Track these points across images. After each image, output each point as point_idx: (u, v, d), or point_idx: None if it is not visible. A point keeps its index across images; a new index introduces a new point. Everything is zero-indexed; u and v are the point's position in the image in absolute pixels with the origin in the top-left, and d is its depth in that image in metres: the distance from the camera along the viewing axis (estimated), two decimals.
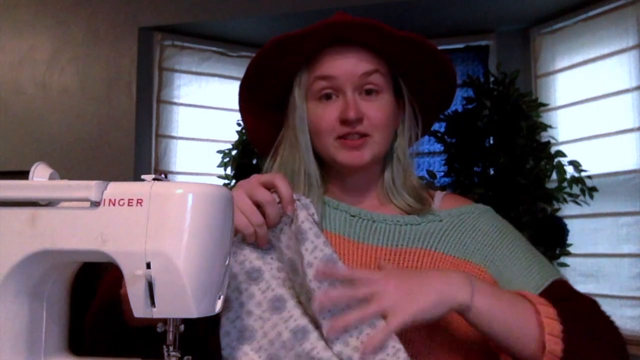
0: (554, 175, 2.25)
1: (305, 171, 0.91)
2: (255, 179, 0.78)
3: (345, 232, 0.89)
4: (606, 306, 0.80)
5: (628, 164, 2.32)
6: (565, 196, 2.22)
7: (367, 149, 0.88)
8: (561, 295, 0.81)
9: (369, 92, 0.88)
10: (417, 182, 0.96)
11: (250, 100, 0.97)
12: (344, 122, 0.86)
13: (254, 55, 0.91)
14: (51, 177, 0.63)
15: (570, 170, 2.24)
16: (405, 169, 0.94)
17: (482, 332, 0.74)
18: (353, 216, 0.91)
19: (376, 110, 0.88)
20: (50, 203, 0.60)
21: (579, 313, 0.77)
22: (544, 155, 2.22)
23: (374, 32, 0.86)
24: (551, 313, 0.74)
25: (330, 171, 0.95)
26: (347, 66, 0.87)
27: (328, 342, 0.71)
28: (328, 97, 0.89)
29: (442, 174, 2.31)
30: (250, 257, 0.78)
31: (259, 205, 0.76)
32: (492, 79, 2.33)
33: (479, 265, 0.87)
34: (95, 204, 0.58)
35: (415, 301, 0.70)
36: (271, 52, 0.89)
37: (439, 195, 0.97)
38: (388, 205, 0.94)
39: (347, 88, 0.87)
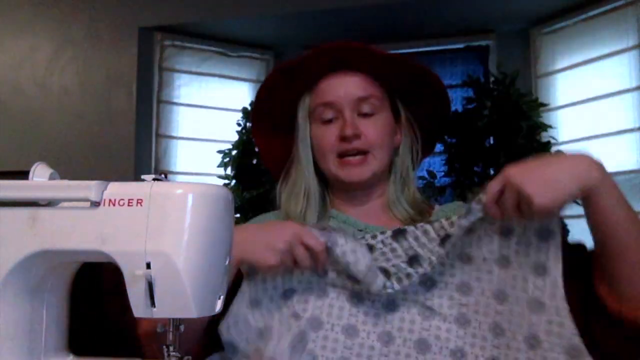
0: None
1: (305, 189, 0.98)
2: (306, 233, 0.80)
3: None
4: None
5: (628, 164, 2.32)
6: None
7: (367, 166, 0.96)
8: None
9: (365, 115, 0.97)
10: (418, 195, 1.03)
11: (262, 126, 1.06)
12: (343, 138, 0.94)
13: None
14: (51, 177, 0.63)
15: None
16: (407, 183, 1.01)
17: (603, 225, 0.72)
18: (360, 230, 0.95)
19: (372, 128, 0.96)
20: (50, 203, 0.60)
21: None
22: (544, 155, 2.21)
23: (365, 56, 0.95)
24: None
25: (335, 187, 1.01)
26: (344, 91, 0.97)
27: None
28: (330, 120, 0.97)
29: (442, 174, 2.31)
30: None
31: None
32: (492, 79, 2.33)
33: None
34: (95, 204, 0.58)
35: (550, 182, 0.69)
36: (277, 80, 1.00)
37: (436, 209, 1.01)
38: (391, 218, 0.99)
39: (346, 109, 0.96)
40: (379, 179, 1.00)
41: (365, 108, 0.96)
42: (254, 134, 1.08)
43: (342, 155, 0.96)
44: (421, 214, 0.98)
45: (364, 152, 0.95)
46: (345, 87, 0.97)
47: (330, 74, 0.98)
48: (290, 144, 1.03)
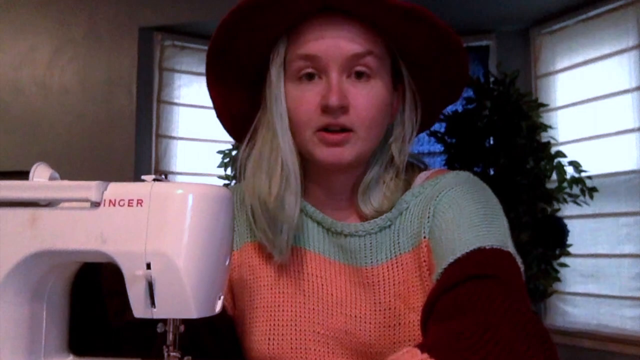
0: (554, 176, 2.25)
1: (282, 164, 0.75)
2: None
3: (329, 253, 0.79)
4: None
5: (628, 164, 2.32)
6: (565, 196, 2.22)
7: (349, 146, 0.73)
8: (471, 271, 0.61)
9: (359, 76, 0.72)
10: (399, 185, 0.79)
11: (220, 71, 0.82)
12: (325, 109, 0.71)
13: None
14: (51, 178, 0.63)
15: (570, 171, 2.25)
16: (399, 172, 0.79)
17: None
18: (338, 232, 0.78)
19: (365, 98, 0.72)
20: (50, 203, 0.60)
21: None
22: (544, 155, 2.22)
23: (370, 2, 0.69)
24: None
25: (311, 166, 0.79)
26: (333, 45, 0.71)
27: None
28: (310, 77, 0.73)
29: None
30: None
31: None
32: (492, 79, 2.33)
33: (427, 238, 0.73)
34: (96, 205, 0.58)
35: None
36: (242, 17, 0.74)
37: (419, 179, 0.81)
38: (354, 208, 0.80)
39: (332, 69, 0.71)
40: (363, 164, 0.78)
41: (360, 68, 0.72)
42: (208, 83, 0.82)
43: (320, 130, 0.73)
44: (389, 207, 0.77)
45: (347, 129, 0.72)
46: (336, 39, 0.71)
47: (318, 17, 0.72)
48: (255, 99, 0.80)
